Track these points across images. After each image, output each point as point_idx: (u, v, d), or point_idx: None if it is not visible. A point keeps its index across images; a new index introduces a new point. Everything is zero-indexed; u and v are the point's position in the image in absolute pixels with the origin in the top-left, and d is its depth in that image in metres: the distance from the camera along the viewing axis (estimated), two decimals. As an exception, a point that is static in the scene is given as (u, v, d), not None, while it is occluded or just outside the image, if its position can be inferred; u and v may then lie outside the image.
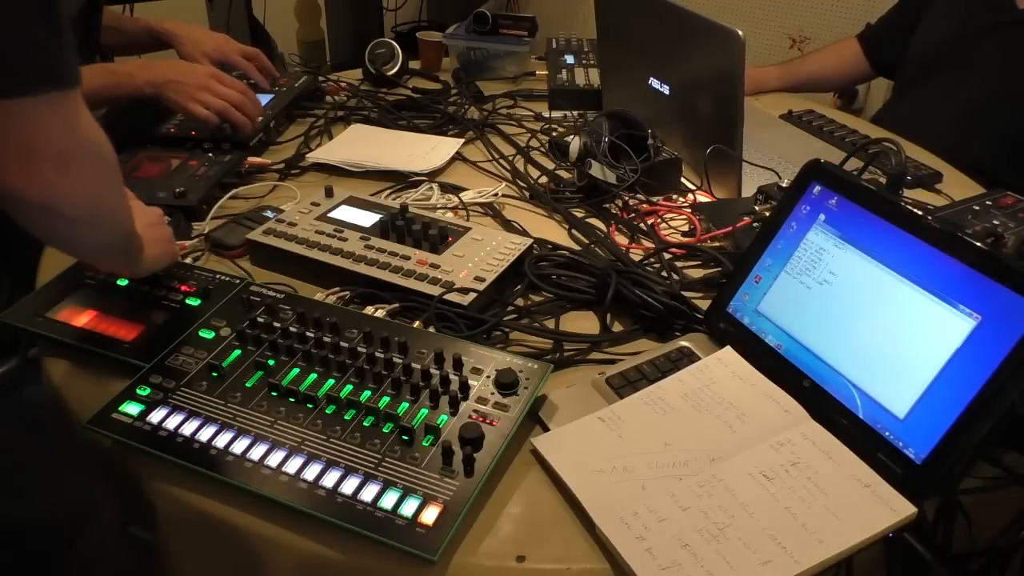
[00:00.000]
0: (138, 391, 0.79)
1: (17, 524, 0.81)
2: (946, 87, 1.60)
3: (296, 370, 0.82)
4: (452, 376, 0.81)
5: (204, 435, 0.75)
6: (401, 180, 1.28)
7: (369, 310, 0.93)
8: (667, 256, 1.09)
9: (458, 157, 1.37)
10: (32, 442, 0.87)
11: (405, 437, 0.74)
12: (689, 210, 1.18)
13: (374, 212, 1.09)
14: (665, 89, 1.32)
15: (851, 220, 0.82)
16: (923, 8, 1.69)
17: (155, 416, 0.77)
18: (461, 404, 0.78)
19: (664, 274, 1.05)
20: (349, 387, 0.80)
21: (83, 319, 0.90)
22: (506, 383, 0.79)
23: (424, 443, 0.74)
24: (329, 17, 3.13)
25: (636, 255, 1.10)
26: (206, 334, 0.87)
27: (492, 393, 0.79)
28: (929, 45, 1.66)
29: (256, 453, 0.73)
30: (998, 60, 1.54)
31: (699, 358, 0.88)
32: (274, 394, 0.79)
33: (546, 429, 0.80)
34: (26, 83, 0.62)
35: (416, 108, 1.56)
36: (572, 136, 1.27)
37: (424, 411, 0.77)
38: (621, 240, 1.15)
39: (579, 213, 1.21)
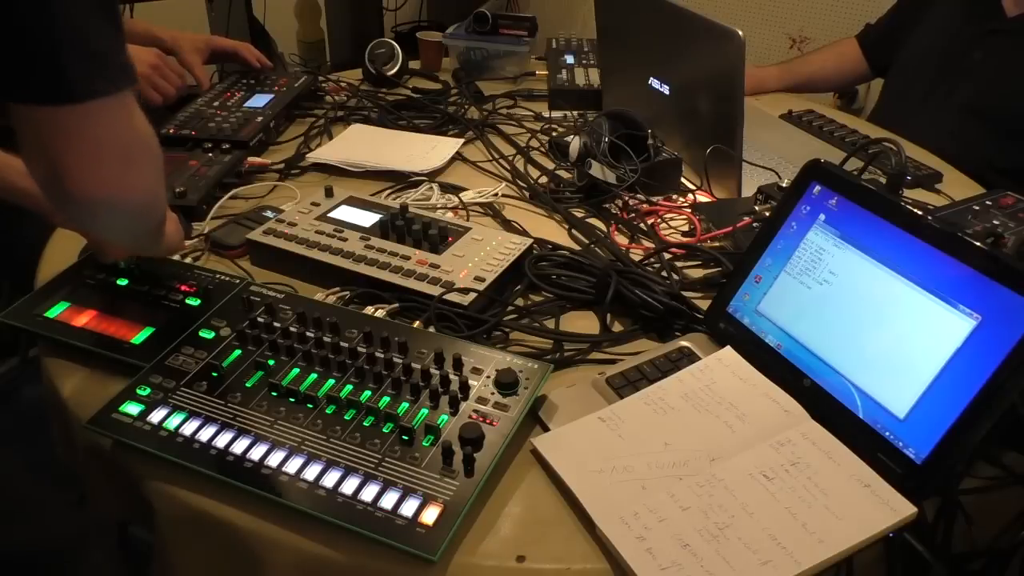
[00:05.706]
0: (138, 391, 0.79)
1: (11, 554, 0.81)
2: (938, 96, 1.60)
3: (296, 370, 0.82)
4: (452, 376, 0.81)
5: (204, 435, 0.75)
6: (401, 180, 1.28)
7: (369, 310, 0.93)
8: (667, 256, 1.09)
9: (458, 157, 1.37)
10: (24, 469, 0.87)
11: (405, 437, 0.74)
12: (689, 210, 1.18)
13: (374, 212, 1.09)
14: (665, 89, 1.32)
15: (851, 220, 0.82)
16: (920, 14, 1.68)
17: (155, 416, 0.77)
18: (461, 404, 0.78)
19: (664, 274, 1.05)
20: (349, 387, 0.80)
21: (83, 319, 0.90)
22: (506, 383, 0.79)
23: (424, 443, 0.74)
24: (329, 17, 3.13)
25: (636, 255, 1.10)
26: (206, 334, 0.87)
27: (492, 393, 0.79)
28: (921, 52, 1.66)
29: (256, 453, 0.73)
30: (985, 68, 1.54)
31: (699, 358, 0.88)
32: (274, 394, 0.79)
33: (546, 429, 0.80)
34: (115, 82, 0.62)
35: (416, 108, 1.56)
36: (572, 136, 1.26)
37: (424, 411, 0.77)
38: (621, 240, 1.15)
39: (579, 213, 1.21)
